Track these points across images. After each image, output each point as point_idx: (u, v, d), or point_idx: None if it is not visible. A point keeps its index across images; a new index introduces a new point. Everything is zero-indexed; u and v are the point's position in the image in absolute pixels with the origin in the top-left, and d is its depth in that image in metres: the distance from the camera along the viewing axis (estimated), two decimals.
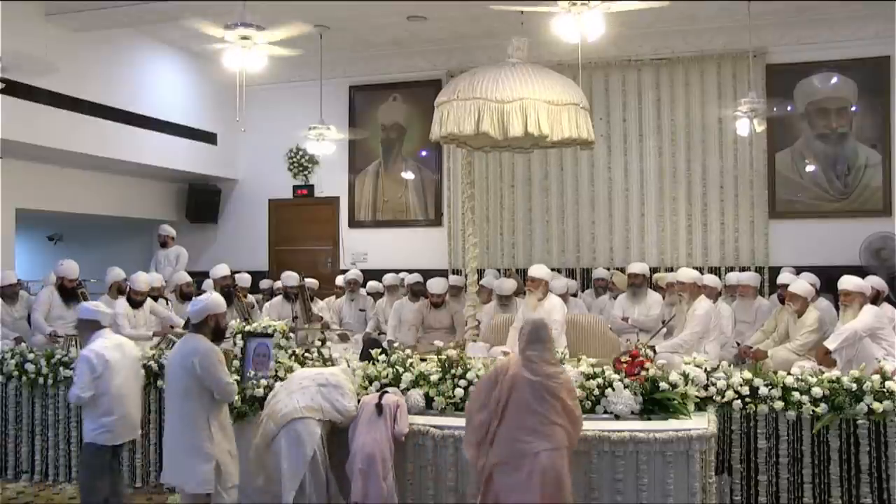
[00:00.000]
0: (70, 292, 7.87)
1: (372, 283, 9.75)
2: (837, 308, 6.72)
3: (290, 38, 7.08)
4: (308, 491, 4.69)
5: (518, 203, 10.80)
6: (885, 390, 4.80)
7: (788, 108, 9.89)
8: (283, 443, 4.74)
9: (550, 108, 5.49)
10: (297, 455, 4.71)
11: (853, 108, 9.73)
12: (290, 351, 5.52)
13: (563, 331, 6.69)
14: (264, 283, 10.60)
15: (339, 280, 9.90)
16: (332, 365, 5.50)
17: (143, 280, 7.93)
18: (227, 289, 8.56)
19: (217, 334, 4.74)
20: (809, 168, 9.89)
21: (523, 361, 4.30)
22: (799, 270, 8.34)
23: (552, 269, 8.02)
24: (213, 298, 4.83)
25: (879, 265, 8.93)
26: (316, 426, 4.78)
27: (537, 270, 7.15)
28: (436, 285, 8.31)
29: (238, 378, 5.31)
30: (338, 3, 8.83)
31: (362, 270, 10.07)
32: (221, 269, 8.63)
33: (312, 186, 11.83)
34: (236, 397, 5.18)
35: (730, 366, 5.50)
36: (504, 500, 4.19)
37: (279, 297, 9.00)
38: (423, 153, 11.32)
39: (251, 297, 9.43)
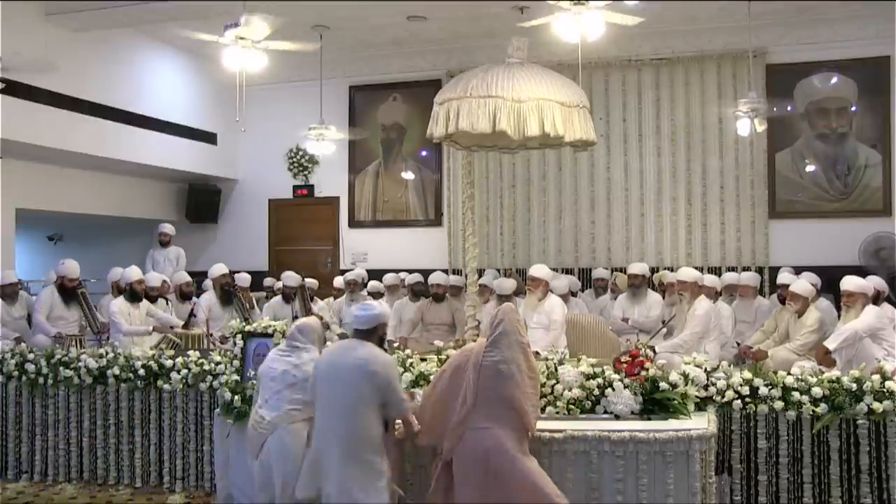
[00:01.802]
0: (70, 292, 7.87)
1: (373, 283, 9.75)
2: (838, 308, 6.71)
3: (287, 32, 7.09)
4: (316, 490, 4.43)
5: (518, 203, 10.81)
6: (885, 390, 4.79)
7: (788, 108, 9.90)
8: (273, 451, 4.48)
9: (563, 110, 5.50)
10: (288, 464, 4.44)
11: (853, 108, 9.74)
12: None
13: (563, 331, 6.68)
14: (267, 282, 10.59)
15: (337, 282, 9.89)
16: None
17: (136, 272, 8.01)
18: (227, 288, 8.56)
19: (381, 343, 4.48)
20: (809, 168, 9.89)
21: (486, 347, 4.32)
22: (799, 270, 8.33)
23: (552, 269, 8.02)
24: (384, 307, 4.61)
25: (879, 265, 8.93)
26: (303, 428, 4.49)
27: (537, 270, 7.17)
28: (436, 277, 8.44)
29: (238, 378, 5.32)
30: (338, 3, 8.83)
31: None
32: (219, 269, 8.64)
33: (312, 186, 11.83)
34: (237, 397, 5.20)
35: (730, 366, 5.49)
36: (456, 495, 4.18)
37: (278, 298, 9.00)
38: (423, 153, 11.32)
39: (252, 296, 9.44)
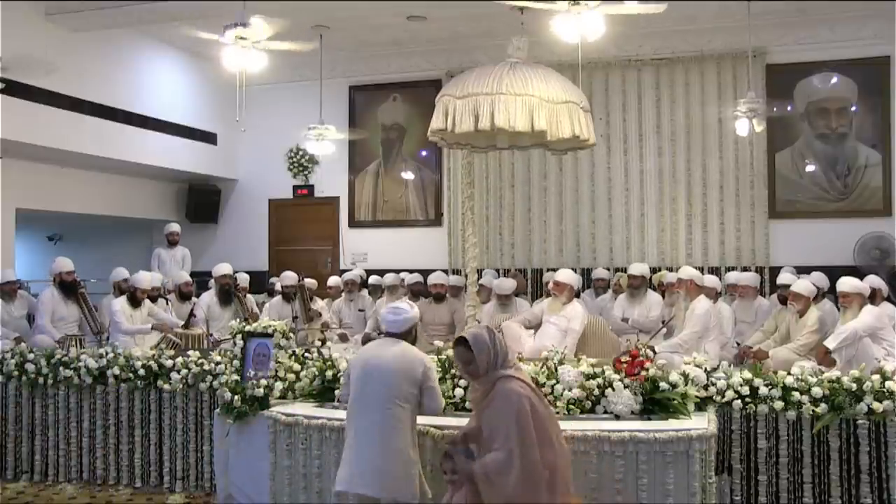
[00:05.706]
0: (70, 287, 7.87)
1: (373, 279, 9.71)
2: (839, 309, 6.72)
3: (287, 32, 7.09)
4: None
5: (518, 203, 10.81)
6: (885, 390, 4.79)
7: (788, 108, 9.91)
8: None
9: (582, 113, 5.51)
10: None
11: (853, 108, 9.75)
12: (290, 351, 5.52)
13: (576, 340, 6.54)
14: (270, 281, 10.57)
15: (331, 281, 9.86)
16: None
17: (146, 279, 7.99)
18: (227, 287, 8.56)
19: (414, 343, 4.54)
20: (809, 168, 9.90)
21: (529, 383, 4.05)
22: (799, 270, 8.34)
23: (552, 270, 8.00)
24: (415, 310, 4.57)
25: (878, 265, 8.93)
26: None
27: (564, 275, 6.89)
28: (436, 277, 8.44)
29: (238, 378, 5.31)
30: (338, 3, 8.83)
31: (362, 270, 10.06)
32: (223, 268, 8.65)
33: (312, 186, 11.84)
34: (237, 397, 5.20)
35: (730, 366, 5.49)
36: None
37: (278, 298, 9.01)
38: (423, 153, 11.33)
39: (250, 297, 9.42)
